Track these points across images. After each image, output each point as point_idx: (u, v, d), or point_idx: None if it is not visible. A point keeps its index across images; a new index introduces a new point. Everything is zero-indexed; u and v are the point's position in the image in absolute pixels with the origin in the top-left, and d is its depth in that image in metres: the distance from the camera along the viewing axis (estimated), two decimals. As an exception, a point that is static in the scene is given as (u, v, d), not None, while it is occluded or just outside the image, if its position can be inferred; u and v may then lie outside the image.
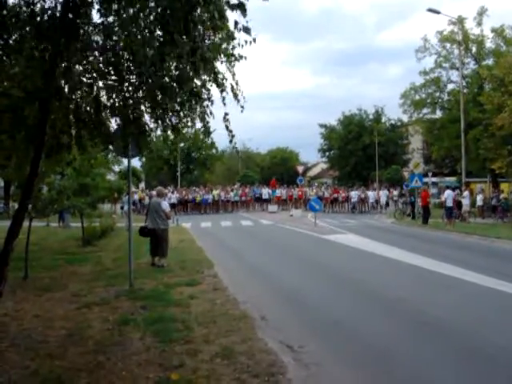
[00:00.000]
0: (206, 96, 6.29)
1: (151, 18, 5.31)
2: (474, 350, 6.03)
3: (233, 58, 5.89)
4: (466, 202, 25.97)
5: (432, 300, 8.55)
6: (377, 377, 5.28)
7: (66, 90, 6.44)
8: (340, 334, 6.72)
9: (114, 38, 5.60)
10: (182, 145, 57.06)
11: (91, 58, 6.21)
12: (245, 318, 7.14)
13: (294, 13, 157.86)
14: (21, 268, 9.96)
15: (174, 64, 5.77)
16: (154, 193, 13.99)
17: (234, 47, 5.72)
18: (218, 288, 9.22)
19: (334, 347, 6.22)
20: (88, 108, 6.95)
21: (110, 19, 5.49)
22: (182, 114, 6.65)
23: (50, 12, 5.42)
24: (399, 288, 9.67)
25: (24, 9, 5.31)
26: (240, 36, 5.46)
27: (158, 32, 5.36)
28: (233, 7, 4.88)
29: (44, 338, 6.32)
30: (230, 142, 6.34)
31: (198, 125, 6.74)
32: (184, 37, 4.99)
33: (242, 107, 6.06)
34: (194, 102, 6.37)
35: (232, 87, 5.95)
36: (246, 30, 5.17)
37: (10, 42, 5.57)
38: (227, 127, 6.19)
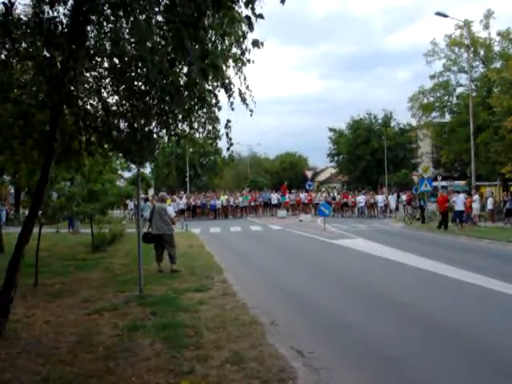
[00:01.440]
0: (213, 102, 6.30)
1: (161, 24, 5.35)
2: (485, 353, 5.98)
3: (240, 63, 5.89)
4: (476, 205, 25.81)
5: (441, 303, 8.49)
6: (387, 381, 5.25)
7: (76, 96, 6.48)
8: (350, 339, 6.68)
9: (123, 44, 5.63)
10: (190, 150, 57.19)
11: (100, 65, 6.24)
12: (254, 323, 7.12)
13: (301, 16, 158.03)
14: (31, 274, 10.01)
15: (184, 70, 5.79)
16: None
17: (243, 52, 5.72)
18: (227, 293, 9.21)
19: (343, 352, 6.18)
20: (97, 114, 6.99)
21: (119, 25, 5.52)
22: (189, 120, 6.66)
23: (58, 19, 5.46)
24: (408, 292, 9.62)
25: (33, 16, 5.35)
26: (247, 41, 5.47)
27: (168, 38, 5.39)
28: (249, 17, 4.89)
29: (55, 344, 6.34)
30: (228, 149, 6.33)
31: (204, 130, 6.76)
32: (194, 43, 5.00)
33: (251, 111, 6.05)
34: (201, 108, 6.39)
35: (240, 92, 5.95)
36: (256, 44, 5.21)
37: (20, 49, 5.61)
38: (227, 134, 6.18)
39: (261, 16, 4.85)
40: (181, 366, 5.38)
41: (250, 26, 4.96)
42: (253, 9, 4.76)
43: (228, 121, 6.05)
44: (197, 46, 5.03)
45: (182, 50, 4.95)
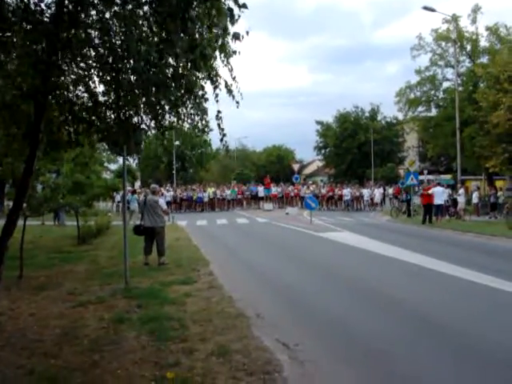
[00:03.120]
0: (200, 93, 6.25)
1: (148, 14, 5.29)
2: (472, 346, 6.02)
3: (226, 54, 5.84)
4: (461, 199, 26.04)
5: (428, 297, 8.55)
6: (373, 374, 5.26)
7: (62, 85, 6.40)
8: (336, 332, 6.71)
9: (111, 34, 5.57)
10: (176, 143, 56.95)
11: (87, 55, 6.17)
12: (240, 315, 7.13)
13: (290, 9, 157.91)
14: (16, 267, 9.90)
15: (172, 61, 5.74)
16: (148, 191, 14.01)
17: (227, 42, 5.68)
18: (213, 286, 9.21)
19: (329, 345, 6.21)
20: (84, 105, 6.91)
21: (107, 15, 5.46)
22: (176, 111, 6.61)
23: (45, 4, 5.40)
24: (394, 285, 9.68)
25: (20, 4, 5.27)
26: (233, 30, 5.44)
27: (156, 29, 5.35)
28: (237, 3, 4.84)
29: (39, 336, 6.30)
30: (221, 140, 6.30)
31: (192, 122, 6.71)
32: (182, 34, 4.96)
33: (238, 103, 6.01)
34: (188, 100, 6.34)
35: (226, 83, 5.91)
36: (236, 37, 5.17)
37: (5, 38, 5.52)
38: (219, 126, 6.15)
39: (244, 6, 4.81)
40: (166, 359, 5.38)
41: (232, 20, 4.92)
42: (236, 1, 4.73)
43: (218, 111, 6.01)
44: (185, 38, 4.98)
45: (170, 42, 4.90)
